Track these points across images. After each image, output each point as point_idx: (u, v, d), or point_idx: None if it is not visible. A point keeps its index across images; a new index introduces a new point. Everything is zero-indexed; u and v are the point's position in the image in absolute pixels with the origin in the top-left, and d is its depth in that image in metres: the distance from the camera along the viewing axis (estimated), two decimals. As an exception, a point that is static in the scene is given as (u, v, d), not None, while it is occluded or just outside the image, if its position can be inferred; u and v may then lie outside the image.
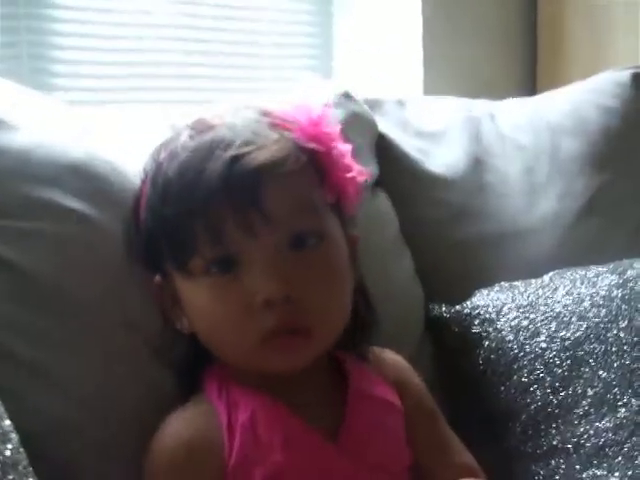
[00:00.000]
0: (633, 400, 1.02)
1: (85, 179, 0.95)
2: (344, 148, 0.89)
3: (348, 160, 0.89)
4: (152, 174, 0.88)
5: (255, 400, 0.85)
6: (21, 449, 0.74)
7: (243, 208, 0.81)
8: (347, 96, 1.30)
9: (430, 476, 0.95)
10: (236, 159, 0.81)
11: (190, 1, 1.99)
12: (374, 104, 1.38)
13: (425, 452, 0.95)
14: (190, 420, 0.86)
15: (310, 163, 0.86)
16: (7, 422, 0.75)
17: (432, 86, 1.98)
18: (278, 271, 0.81)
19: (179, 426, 0.86)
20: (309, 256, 0.85)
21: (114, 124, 1.13)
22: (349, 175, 0.89)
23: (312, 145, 0.86)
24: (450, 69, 2.03)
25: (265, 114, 0.89)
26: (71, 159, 0.95)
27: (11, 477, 0.70)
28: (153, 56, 1.93)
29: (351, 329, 0.92)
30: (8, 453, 0.72)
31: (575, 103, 1.45)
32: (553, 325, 1.09)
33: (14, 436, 0.74)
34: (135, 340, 0.92)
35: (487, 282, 1.21)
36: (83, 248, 0.92)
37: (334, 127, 0.89)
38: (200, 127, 0.88)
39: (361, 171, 0.91)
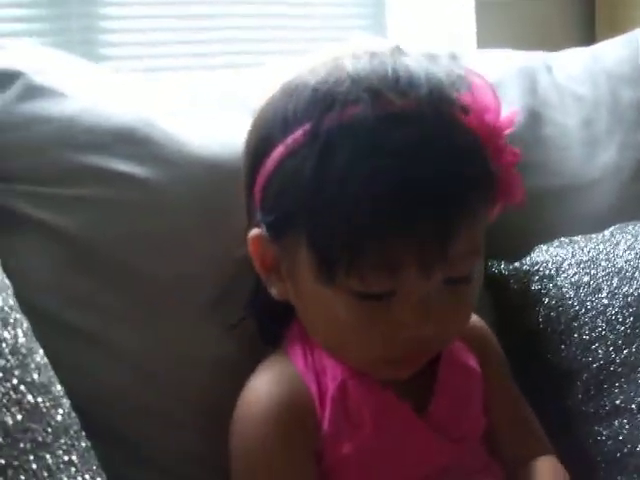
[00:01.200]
0: (699, 356, 0.98)
1: (137, 144, 0.94)
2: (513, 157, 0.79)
3: (518, 179, 0.80)
4: (318, 143, 0.72)
5: (345, 371, 0.82)
6: (72, 414, 0.74)
7: (430, 256, 0.72)
8: (399, 50, 1.26)
9: (504, 446, 0.93)
10: (446, 202, 0.71)
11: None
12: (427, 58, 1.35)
13: (501, 422, 0.93)
14: (280, 383, 0.82)
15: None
16: (58, 387, 0.75)
17: (486, 39, 1.93)
18: (432, 311, 0.75)
19: (270, 390, 0.82)
20: (459, 291, 0.78)
21: (165, 91, 1.11)
22: (516, 199, 0.81)
23: (496, 169, 0.76)
24: (504, 20, 1.98)
25: (465, 110, 0.74)
26: (121, 124, 0.94)
27: (62, 441, 0.69)
28: (203, 21, 1.92)
29: None
30: (59, 418, 0.71)
31: (635, 50, 1.40)
32: (615, 281, 1.06)
33: (65, 401, 0.74)
34: (196, 303, 0.91)
35: (547, 237, 1.18)
36: (135, 212, 0.91)
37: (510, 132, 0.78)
38: (385, 106, 0.72)
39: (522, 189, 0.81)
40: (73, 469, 0.67)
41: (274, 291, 0.83)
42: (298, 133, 0.74)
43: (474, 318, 0.96)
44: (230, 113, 1.03)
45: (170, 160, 0.93)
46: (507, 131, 0.77)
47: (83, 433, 0.74)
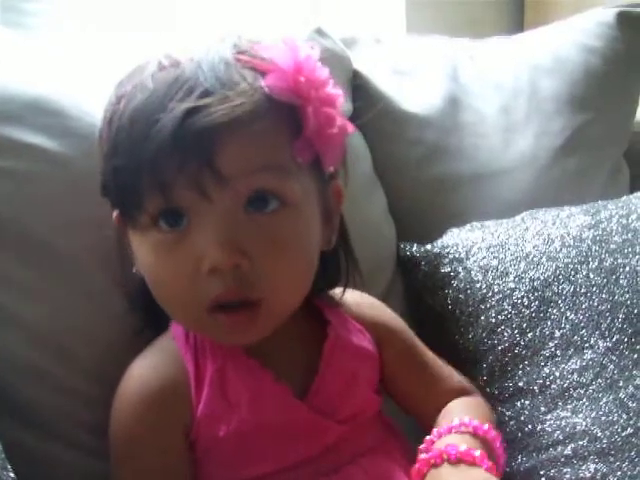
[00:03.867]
0: (600, 342, 1.01)
1: (48, 115, 0.92)
2: (330, 96, 0.79)
3: (331, 112, 0.78)
4: (110, 111, 0.79)
5: (225, 353, 0.82)
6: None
7: (194, 169, 0.72)
8: (320, 32, 1.27)
9: (424, 414, 0.94)
10: (191, 113, 0.71)
11: None
12: (349, 41, 1.36)
13: (413, 390, 0.95)
14: (156, 367, 0.83)
15: (283, 116, 0.76)
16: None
17: (416, 24, 1.94)
18: (229, 237, 0.74)
19: (145, 374, 0.83)
20: (267, 221, 0.76)
21: (82, 53, 1.10)
22: (330, 131, 0.78)
23: (287, 96, 0.75)
24: (434, 6, 1.99)
25: (241, 52, 0.78)
26: (33, 94, 0.93)
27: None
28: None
29: (328, 278, 0.90)
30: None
31: (557, 42, 1.44)
32: (522, 265, 1.08)
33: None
34: (103, 278, 0.90)
35: (461, 222, 1.21)
36: (47, 185, 0.90)
37: (320, 71, 0.78)
38: (166, 62, 0.77)
39: (345, 125, 0.80)
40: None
41: (135, 269, 0.83)
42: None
43: (366, 297, 0.98)
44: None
45: (81, 133, 0.92)
46: (312, 76, 0.77)
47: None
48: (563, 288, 1.05)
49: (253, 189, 0.75)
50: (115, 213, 0.83)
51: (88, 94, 0.97)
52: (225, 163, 0.73)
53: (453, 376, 0.98)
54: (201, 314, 0.77)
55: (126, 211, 0.78)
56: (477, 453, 0.83)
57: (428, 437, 0.86)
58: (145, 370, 0.83)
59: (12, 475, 0.70)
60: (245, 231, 0.75)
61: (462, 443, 0.84)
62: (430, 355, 0.98)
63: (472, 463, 0.82)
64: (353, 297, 0.95)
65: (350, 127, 0.81)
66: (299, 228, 0.79)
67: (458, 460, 0.82)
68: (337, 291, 0.93)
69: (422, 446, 0.86)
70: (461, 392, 0.96)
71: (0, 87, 0.91)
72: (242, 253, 0.74)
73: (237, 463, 0.81)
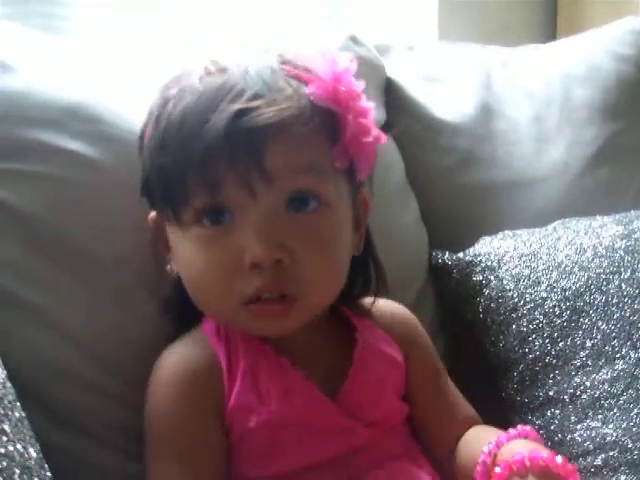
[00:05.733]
0: (631, 353, 1.01)
1: (86, 121, 0.94)
2: (365, 108, 0.83)
3: (367, 122, 0.83)
4: (157, 111, 0.82)
5: (257, 350, 0.84)
6: (7, 384, 0.74)
7: (243, 167, 0.76)
8: (354, 40, 1.28)
9: (435, 432, 0.95)
10: (241, 114, 0.75)
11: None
12: (383, 49, 1.37)
13: (430, 408, 0.95)
14: (190, 353, 0.85)
15: (324, 122, 0.80)
16: (-7, 359, 0.75)
17: (448, 32, 1.94)
18: (272, 234, 0.77)
19: (181, 357, 0.85)
20: (307, 220, 0.80)
21: (118, 59, 1.11)
22: (365, 139, 0.82)
23: (328, 104, 0.80)
24: (467, 14, 1.99)
25: (284, 62, 0.83)
26: (70, 101, 0.94)
27: (-5, 410, 0.70)
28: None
29: (357, 287, 0.93)
30: (-7, 388, 0.72)
31: (590, 51, 1.43)
32: (554, 275, 1.08)
33: (0, 372, 0.75)
34: (136, 283, 0.92)
35: (493, 229, 1.21)
36: (83, 190, 0.91)
37: (356, 84, 0.83)
38: (213, 68, 0.82)
39: (379, 135, 0.84)
40: (4, 438, 0.67)
41: (169, 267, 0.87)
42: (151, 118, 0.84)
43: (398, 308, 0.99)
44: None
45: (117, 139, 0.94)
46: (349, 87, 0.82)
47: (18, 404, 0.74)
48: (595, 298, 1.05)
49: (295, 188, 0.79)
50: (152, 213, 0.87)
51: (125, 100, 0.98)
52: (272, 162, 0.77)
53: (468, 406, 0.99)
54: (237, 307, 0.80)
55: (170, 207, 0.81)
56: (559, 459, 0.80)
57: (485, 448, 0.85)
58: (180, 355, 0.86)
59: (49, 474, 0.71)
60: (286, 228, 0.79)
61: (542, 449, 0.82)
62: (450, 383, 0.99)
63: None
64: (389, 308, 0.97)
65: (383, 137, 0.85)
66: (335, 227, 0.83)
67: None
68: (367, 300, 0.95)
69: (481, 458, 0.84)
70: (476, 422, 0.97)
71: (38, 93, 0.93)
72: (284, 249, 0.78)
73: (265, 457, 0.83)
